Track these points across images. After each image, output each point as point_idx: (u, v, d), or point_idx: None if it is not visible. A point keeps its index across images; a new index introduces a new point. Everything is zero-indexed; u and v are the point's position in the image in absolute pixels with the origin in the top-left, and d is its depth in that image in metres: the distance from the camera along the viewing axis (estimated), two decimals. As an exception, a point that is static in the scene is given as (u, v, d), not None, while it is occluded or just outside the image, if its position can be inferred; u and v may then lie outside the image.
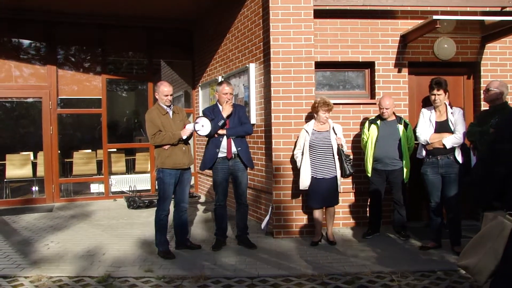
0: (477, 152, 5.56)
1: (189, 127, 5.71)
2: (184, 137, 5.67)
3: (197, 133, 5.73)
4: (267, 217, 6.49)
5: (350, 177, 6.41)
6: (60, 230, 7.09)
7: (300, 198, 6.50)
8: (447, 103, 5.70)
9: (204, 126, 5.64)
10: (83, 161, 10.73)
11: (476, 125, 5.41)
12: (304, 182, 5.98)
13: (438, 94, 5.60)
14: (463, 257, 2.11)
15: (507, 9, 6.92)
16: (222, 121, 5.73)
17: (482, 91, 6.10)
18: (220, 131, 5.76)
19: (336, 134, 5.95)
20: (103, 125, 10.02)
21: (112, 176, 10.37)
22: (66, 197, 10.01)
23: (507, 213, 1.88)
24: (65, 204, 9.46)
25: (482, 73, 7.09)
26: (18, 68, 9.63)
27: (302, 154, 6.00)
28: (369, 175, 6.25)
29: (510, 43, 7.08)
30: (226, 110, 5.79)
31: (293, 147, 6.37)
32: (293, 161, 6.37)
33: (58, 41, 9.85)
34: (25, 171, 10.31)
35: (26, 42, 9.96)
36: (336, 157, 5.92)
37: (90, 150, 11.48)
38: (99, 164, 10.57)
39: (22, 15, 9.29)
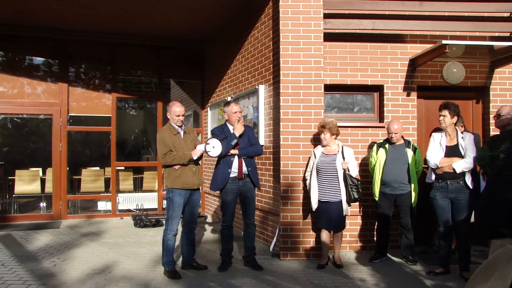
0: (486, 178, 5.54)
1: (200, 148, 5.74)
2: (195, 158, 5.70)
3: (207, 154, 5.74)
4: (275, 239, 6.48)
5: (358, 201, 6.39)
6: (66, 247, 7.10)
7: (308, 220, 6.48)
8: (458, 128, 5.70)
9: (215, 148, 5.66)
10: (91, 178, 10.79)
11: (487, 150, 5.39)
12: (313, 204, 6.00)
13: (443, 115, 5.61)
14: (471, 284, 2.10)
15: (516, 34, 6.96)
16: (235, 140, 5.76)
17: (491, 116, 6.09)
18: (232, 151, 5.78)
19: (344, 158, 5.96)
20: (112, 143, 10.08)
21: (119, 194, 10.40)
22: (74, 214, 10.04)
23: (515, 240, 1.88)
24: (72, 221, 9.48)
25: (491, 98, 7.10)
26: (30, 85, 9.77)
27: (311, 176, 6.02)
28: (377, 199, 6.24)
29: (519, 68, 7.11)
30: (238, 129, 5.82)
31: (301, 169, 6.40)
32: (301, 183, 6.39)
33: (70, 59, 10.00)
34: (34, 187, 10.36)
35: (38, 59, 10.14)
36: (342, 181, 5.92)
37: (98, 168, 11.56)
38: (107, 181, 10.61)
39: (35, 33, 9.46)
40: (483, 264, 2.04)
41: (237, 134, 5.80)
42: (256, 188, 6.04)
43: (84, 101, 10.17)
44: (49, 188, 10.02)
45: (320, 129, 6.02)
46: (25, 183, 10.29)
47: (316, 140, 6.38)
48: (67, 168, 9.85)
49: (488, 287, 1.98)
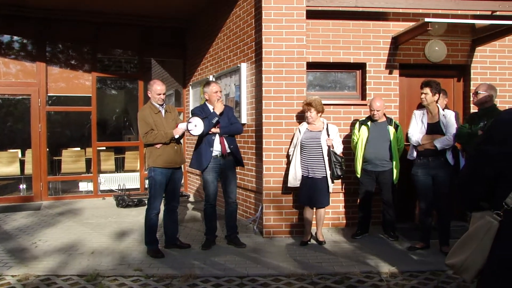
0: (466, 154, 5.62)
1: (181, 127, 5.70)
2: (176, 136, 5.66)
3: (189, 133, 5.70)
4: (257, 216, 6.51)
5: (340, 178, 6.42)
6: (48, 229, 7.03)
7: (290, 198, 6.50)
8: (439, 105, 5.74)
9: (197, 126, 5.62)
10: (72, 159, 10.66)
11: (466, 127, 5.46)
12: (291, 180, 6.04)
13: (425, 93, 5.65)
14: (451, 256, 2.13)
15: (497, 13, 6.98)
16: (216, 119, 5.73)
17: (471, 94, 6.16)
18: (213, 130, 5.75)
19: (328, 135, 5.96)
20: (92, 123, 9.94)
21: (101, 175, 10.31)
22: (55, 195, 9.92)
23: (494, 212, 1.91)
24: (53, 202, 9.39)
25: (472, 76, 7.16)
26: (6, 64, 9.53)
27: (294, 152, 6.03)
28: (359, 175, 6.28)
29: (500, 46, 7.15)
30: (218, 107, 5.79)
31: (283, 147, 6.40)
32: (283, 161, 6.40)
33: (48, 37, 9.76)
34: (13, 169, 10.22)
35: (15, 38, 9.88)
36: (326, 158, 5.94)
37: (79, 148, 11.41)
38: (88, 162, 10.50)
39: (12, 11, 9.17)
40: (463, 236, 2.08)
41: (218, 113, 5.77)
42: (238, 167, 6.03)
43: (63, 81, 9.99)
44: (28, 169, 9.89)
45: (306, 106, 5.99)
46: (4, 165, 10.15)
47: (299, 118, 6.38)
48: (47, 149, 9.71)
49: (467, 259, 2.01)
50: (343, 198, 6.89)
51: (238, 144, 6.21)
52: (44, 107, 9.51)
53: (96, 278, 4.80)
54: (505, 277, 1.86)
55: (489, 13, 7.03)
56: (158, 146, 5.57)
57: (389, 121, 6.20)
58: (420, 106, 6.09)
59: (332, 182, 6.04)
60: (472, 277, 2.04)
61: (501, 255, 1.89)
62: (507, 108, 5.11)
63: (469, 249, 2.01)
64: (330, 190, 6.04)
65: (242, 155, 6.29)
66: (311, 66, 6.77)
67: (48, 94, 9.70)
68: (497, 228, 1.91)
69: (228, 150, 5.84)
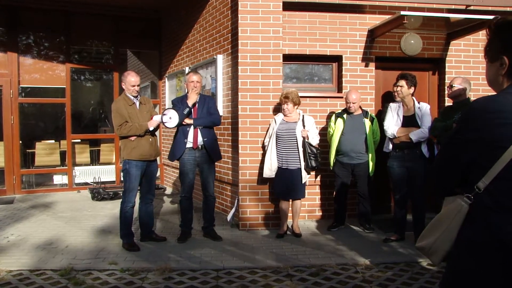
0: (440, 147, 5.68)
1: (156, 119, 5.63)
2: (151, 129, 5.59)
3: (164, 125, 5.65)
4: (233, 209, 6.49)
5: (316, 170, 6.43)
6: (21, 222, 6.90)
7: (267, 190, 6.51)
8: (414, 98, 5.79)
9: (171, 118, 5.56)
10: (46, 151, 10.45)
11: (440, 120, 5.52)
12: (267, 171, 6.04)
13: (400, 86, 5.69)
14: (422, 238, 2.15)
15: (472, 7, 7.05)
16: (187, 109, 5.67)
17: (446, 87, 6.22)
18: (187, 121, 5.69)
19: (304, 126, 5.96)
20: (67, 115, 9.77)
21: (76, 167, 10.16)
22: (28, 189, 9.74)
23: (465, 196, 1.93)
24: (26, 195, 9.22)
25: (446, 69, 7.23)
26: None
27: (270, 143, 6.02)
28: (331, 168, 6.30)
29: (474, 40, 7.23)
30: (191, 98, 5.74)
31: (259, 139, 6.39)
32: (259, 153, 6.39)
33: (20, 27, 9.52)
34: (-16, 162, 9.97)
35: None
36: (301, 149, 5.94)
37: (53, 141, 11.16)
38: (63, 155, 10.31)
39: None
40: (434, 219, 2.09)
41: (190, 103, 5.71)
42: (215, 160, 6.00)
43: (37, 72, 9.78)
44: (0, 162, 9.67)
45: (284, 99, 5.97)
46: (-25, 157, 9.89)
47: (275, 110, 6.38)
48: (20, 142, 9.52)
49: (436, 241, 2.03)
50: (319, 191, 6.92)
51: (215, 137, 6.16)
52: (16, 99, 9.30)
53: (70, 272, 4.73)
54: (472, 259, 1.88)
55: (464, 7, 7.09)
56: (132, 138, 5.49)
57: (365, 113, 6.23)
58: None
59: (308, 173, 6.05)
60: (440, 260, 2.05)
61: (468, 238, 1.90)
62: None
63: (438, 231, 2.02)
64: (304, 182, 6.03)
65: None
66: (288, 58, 6.76)
67: (21, 85, 9.48)
68: (467, 211, 1.93)
69: (201, 143, 5.78)
